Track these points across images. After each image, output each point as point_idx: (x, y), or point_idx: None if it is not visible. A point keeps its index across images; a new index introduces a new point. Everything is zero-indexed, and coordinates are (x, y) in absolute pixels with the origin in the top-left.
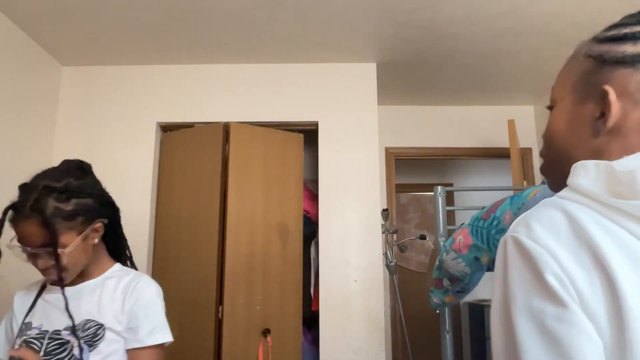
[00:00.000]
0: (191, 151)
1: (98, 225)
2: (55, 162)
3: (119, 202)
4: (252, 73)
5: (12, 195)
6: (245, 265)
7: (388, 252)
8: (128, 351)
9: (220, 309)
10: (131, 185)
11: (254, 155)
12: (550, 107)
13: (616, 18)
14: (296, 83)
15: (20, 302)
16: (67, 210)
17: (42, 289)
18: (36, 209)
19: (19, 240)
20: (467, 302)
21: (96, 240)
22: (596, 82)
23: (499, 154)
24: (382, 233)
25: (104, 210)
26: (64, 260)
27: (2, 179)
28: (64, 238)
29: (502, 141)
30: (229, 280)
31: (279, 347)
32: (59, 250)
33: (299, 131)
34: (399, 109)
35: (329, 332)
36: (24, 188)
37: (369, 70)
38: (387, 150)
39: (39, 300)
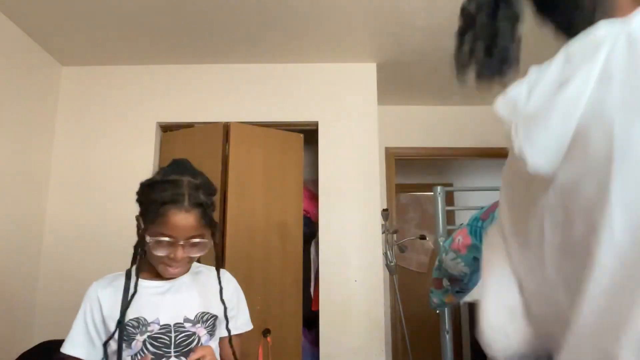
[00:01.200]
0: (191, 151)
1: (217, 224)
2: (55, 162)
3: (119, 202)
4: (252, 73)
5: (13, 194)
6: (245, 265)
7: (388, 252)
8: (223, 338)
9: None
10: (131, 185)
11: (254, 155)
12: None
13: None
14: (296, 83)
15: (108, 297)
16: (211, 205)
17: (129, 282)
18: (195, 202)
19: (170, 232)
20: (467, 302)
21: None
22: None
23: (499, 154)
24: (382, 233)
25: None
26: (203, 252)
27: (2, 179)
28: (209, 236)
29: (502, 141)
30: None
31: (279, 347)
32: (205, 241)
33: (299, 131)
34: (399, 109)
35: (329, 332)
36: (173, 183)
37: (369, 70)
38: (387, 150)
39: (137, 294)
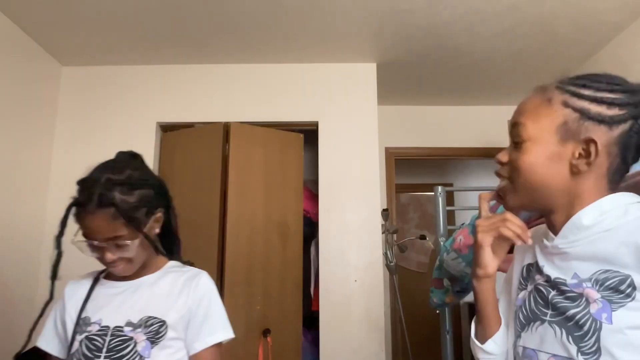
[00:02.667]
0: (191, 151)
1: (158, 215)
2: (55, 162)
3: None
4: (252, 73)
5: (13, 194)
6: (245, 265)
7: (388, 252)
8: (190, 354)
9: None
10: None
11: (254, 155)
12: (519, 143)
13: (616, 18)
14: (296, 83)
15: (73, 295)
16: (131, 202)
17: (95, 281)
18: (103, 203)
19: (85, 235)
20: (467, 302)
21: (157, 230)
22: (579, 130)
23: None
24: (382, 233)
25: (162, 199)
26: (132, 252)
27: (2, 179)
28: (130, 229)
29: (502, 141)
30: (229, 280)
31: (279, 347)
32: (127, 242)
33: (299, 131)
34: (399, 109)
35: (329, 332)
36: (85, 183)
37: (369, 70)
38: (387, 150)
39: (94, 294)
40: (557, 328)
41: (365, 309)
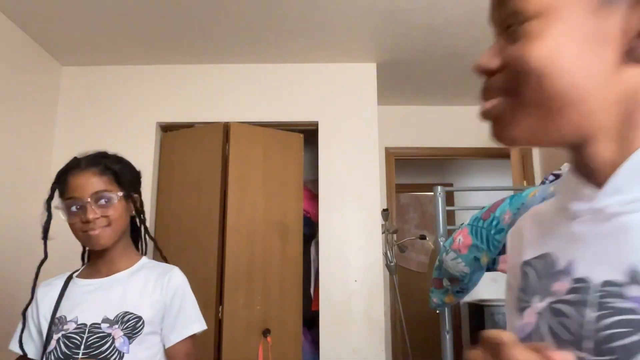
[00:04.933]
0: (191, 151)
1: (136, 195)
2: (55, 162)
3: None
4: (252, 73)
5: (13, 194)
6: (245, 265)
7: (388, 252)
8: (166, 346)
9: (220, 309)
10: None
11: (254, 155)
12: (521, 24)
13: None
14: (296, 83)
15: (45, 296)
16: (119, 166)
17: (68, 281)
18: (93, 163)
19: (71, 195)
20: (467, 302)
21: (133, 212)
22: None
23: (499, 154)
24: (382, 233)
25: (138, 188)
26: (114, 211)
27: (2, 179)
28: (116, 189)
29: None
30: (229, 280)
31: (279, 347)
32: (112, 195)
33: (299, 131)
34: (399, 109)
35: (329, 332)
36: (76, 157)
37: (369, 70)
38: (387, 150)
39: (67, 293)
40: None
41: (365, 309)
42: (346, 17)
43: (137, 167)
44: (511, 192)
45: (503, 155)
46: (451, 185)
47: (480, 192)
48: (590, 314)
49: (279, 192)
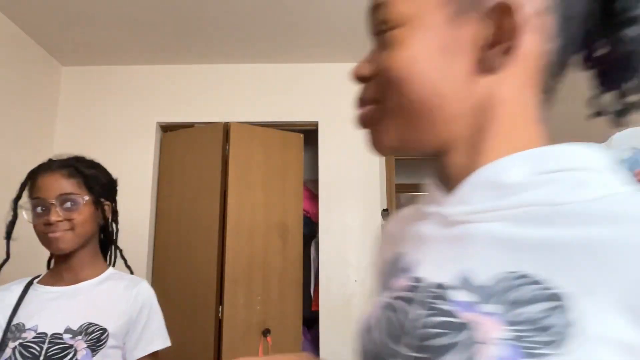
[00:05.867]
0: (191, 151)
1: (107, 203)
2: None
3: (118, 202)
4: (252, 73)
5: (13, 195)
6: (245, 265)
7: None
8: None
9: (220, 309)
10: (131, 185)
11: (254, 155)
12: (386, 32)
13: None
14: (296, 83)
15: (1, 302)
16: (90, 171)
17: (28, 287)
18: (63, 165)
19: (37, 195)
20: None
21: (102, 221)
22: None
23: None
24: None
25: (112, 197)
26: (79, 215)
27: (2, 179)
28: (83, 193)
29: None
30: (229, 280)
31: (279, 347)
32: (78, 199)
33: (299, 131)
34: None
35: (329, 332)
36: (50, 159)
37: None
38: None
39: (26, 299)
40: None
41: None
42: (346, 17)
43: (137, 167)
44: None
45: None
46: None
47: None
48: (415, 312)
49: (279, 192)
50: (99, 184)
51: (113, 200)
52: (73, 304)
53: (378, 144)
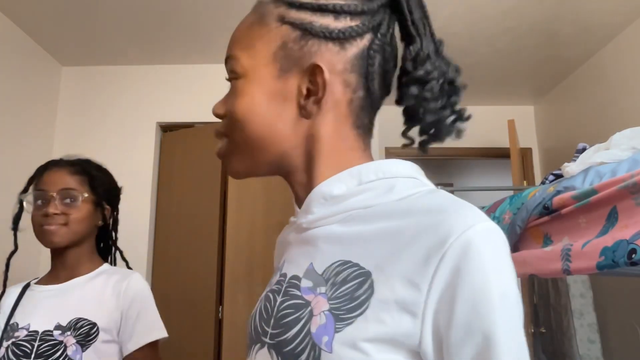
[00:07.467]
0: (191, 151)
1: (107, 207)
2: None
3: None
4: None
5: (13, 194)
6: (245, 265)
7: None
8: (124, 355)
9: (220, 309)
10: (131, 185)
11: None
12: (232, 79)
13: (616, 19)
14: None
15: (2, 303)
16: (93, 173)
17: (26, 288)
18: (72, 162)
19: (40, 187)
20: None
21: (100, 223)
22: (302, 54)
23: (499, 154)
24: None
25: (115, 202)
26: (77, 211)
27: (2, 179)
28: (84, 191)
29: (502, 141)
30: (229, 280)
31: None
32: (78, 195)
33: None
34: (399, 109)
35: None
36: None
37: None
38: (387, 150)
39: (24, 300)
40: (275, 357)
41: None
42: None
43: (137, 167)
44: (511, 192)
45: (503, 155)
46: (451, 185)
47: (480, 192)
48: (278, 298)
49: (279, 192)
50: (103, 186)
51: (115, 207)
52: (65, 301)
53: (231, 172)
